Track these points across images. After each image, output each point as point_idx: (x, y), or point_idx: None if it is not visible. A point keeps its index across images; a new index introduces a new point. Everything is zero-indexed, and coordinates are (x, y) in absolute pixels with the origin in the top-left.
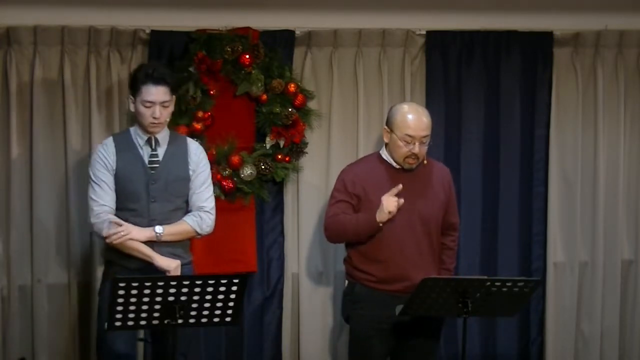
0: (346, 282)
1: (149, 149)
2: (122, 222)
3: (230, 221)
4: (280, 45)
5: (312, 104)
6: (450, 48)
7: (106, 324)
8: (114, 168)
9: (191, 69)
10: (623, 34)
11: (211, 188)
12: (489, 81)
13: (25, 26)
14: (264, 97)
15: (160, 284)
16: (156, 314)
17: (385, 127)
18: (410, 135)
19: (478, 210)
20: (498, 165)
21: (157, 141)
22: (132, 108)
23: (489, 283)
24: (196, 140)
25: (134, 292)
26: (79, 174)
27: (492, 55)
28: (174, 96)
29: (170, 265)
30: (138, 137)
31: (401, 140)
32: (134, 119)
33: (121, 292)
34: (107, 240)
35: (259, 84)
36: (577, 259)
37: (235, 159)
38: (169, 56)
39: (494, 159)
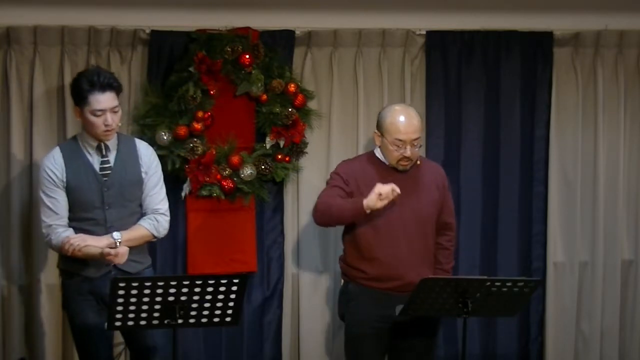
0: (342, 281)
1: (99, 156)
2: (74, 236)
3: (230, 221)
4: (280, 45)
5: (312, 104)
6: (450, 48)
7: (106, 324)
8: (65, 180)
9: (191, 69)
10: (623, 34)
11: (164, 189)
12: (489, 81)
13: (25, 26)
14: (264, 97)
15: (160, 284)
16: (156, 314)
17: (376, 131)
18: (401, 140)
19: (478, 210)
20: (498, 165)
21: (107, 147)
22: (78, 118)
23: (489, 283)
24: (196, 141)
25: (133, 292)
26: None
27: (492, 55)
28: (119, 97)
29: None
30: (87, 145)
31: (392, 145)
32: (83, 127)
33: (121, 292)
34: (68, 254)
35: (259, 84)
36: (577, 259)
37: (235, 159)
38: (169, 56)
39: (494, 159)
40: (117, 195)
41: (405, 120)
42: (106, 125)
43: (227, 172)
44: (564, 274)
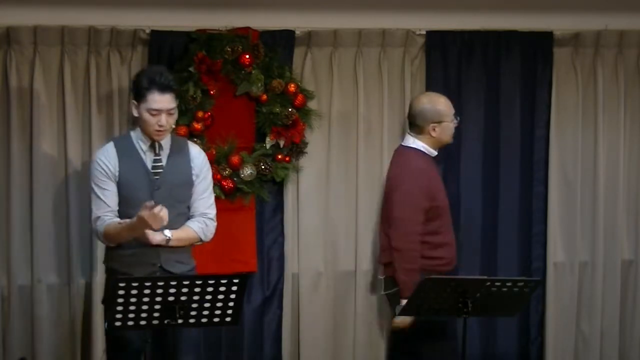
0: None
1: (152, 154)
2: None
3: (230, 221)
4: (280, 45)
5: (312, 104)
6: (450, 48)
7: (106, 323)
8: (117, 175)
9: (191, 69)
10: (623, 34)
11: (213, 195)
12: (488, 81)
13: (25, 26)
14: (264, 97)
15: (160, 284)
16: (156, 314)
17: (434, 123)
18: (454, 115)
19: (478, 210)
20: (498, 165)
21: (160, 146)
22: (135, 113)
23: (489, 283)
24: (196, 141)
25: (134, 292)
26: (78, 173)
27: (492, 55)
28: (177, 101)
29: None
30: (140, 142)
31: (452, 122)
32: (136, 122)
33: (121, 292)
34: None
35: (259, 84)
36: (577, 259)
37: (235, 159)
38: (169, 56)
39: (494, 159)
40: (167, 195)
41: (447, 99)
42: (160, 126)
43: (227, 172)
44: (564, 274)
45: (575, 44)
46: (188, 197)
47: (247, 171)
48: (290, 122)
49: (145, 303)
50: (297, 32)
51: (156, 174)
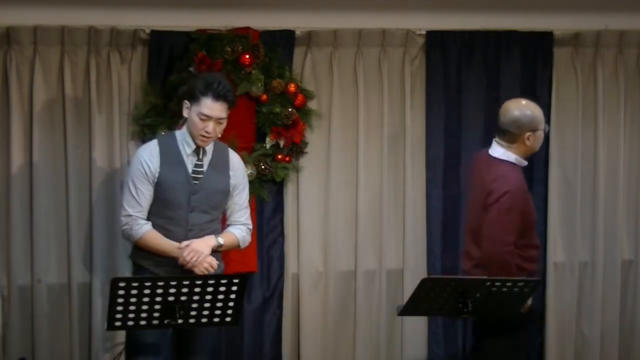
0: None
1: (195, 158)
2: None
3: None
4: (280, 45)
5: (312, 104)
6: (450, 48)
7: (106, 323)
8: (156, 176)
9: (191, 69)
10: (623, 34)
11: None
12: (488, 81)
13: (25, 26)
14: (264, 97)
15: (160, 284)
16: (156, 314)
17: (530, 131)
18: (544, 123)
19: None
20: None
21: (204, 151)
22: (185, 113)
23: (489, 283)
24: None
25: (134, 292)
26: (79, 173)
27: (492, 55)
28: (229, 111)
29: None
30: (185, 144)
31: (543, 131)
32: (184, 123)
33: (121, 292)
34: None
35: (259, 84)
36: (577, 259)
37: None
38: (169, 56)
39: None
40: (203, 200)
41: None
42: (206, 132)
43: None
44: (564, 274)
45: (575, 44)
46: (222, 204)
47: (247, 171)
48: (290, 122)
49: (145, 303)
50: (297, 32)
51: (196, 178)
